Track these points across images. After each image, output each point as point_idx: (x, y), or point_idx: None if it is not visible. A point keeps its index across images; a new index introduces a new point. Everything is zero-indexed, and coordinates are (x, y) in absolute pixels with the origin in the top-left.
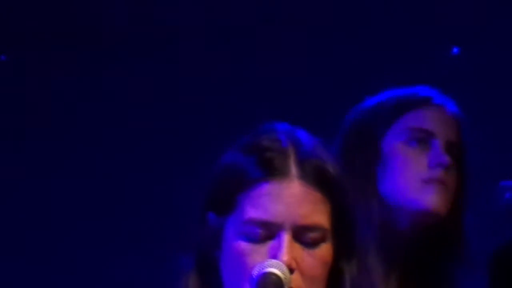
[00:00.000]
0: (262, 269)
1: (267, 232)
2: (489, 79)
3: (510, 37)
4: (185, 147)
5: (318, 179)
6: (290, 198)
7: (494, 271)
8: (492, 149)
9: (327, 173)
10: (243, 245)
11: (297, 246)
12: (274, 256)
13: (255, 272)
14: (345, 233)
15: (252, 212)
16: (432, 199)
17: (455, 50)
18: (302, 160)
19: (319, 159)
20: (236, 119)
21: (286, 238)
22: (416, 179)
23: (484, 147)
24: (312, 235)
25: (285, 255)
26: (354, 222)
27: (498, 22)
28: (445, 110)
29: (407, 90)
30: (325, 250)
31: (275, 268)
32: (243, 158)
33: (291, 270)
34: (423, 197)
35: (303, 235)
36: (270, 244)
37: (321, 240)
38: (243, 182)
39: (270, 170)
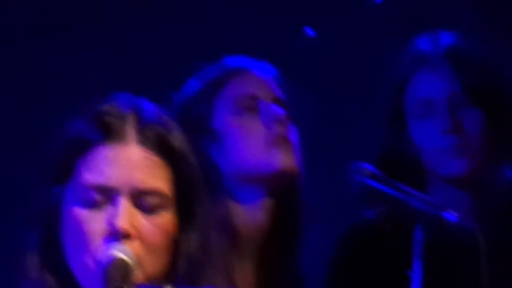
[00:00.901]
0: (108, 253)
1: (104, 197)
2: (342, 61)
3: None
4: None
5: (159, 145)
6: (127, 162)
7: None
8: (344, 129)
9: (169, 141)
10: (81, 212)
11: (135, 213)
12: (110, 222)
13: (101, 256)
14: (186, 204)
15: (88, 176)
16: (281, 159)
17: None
18: (142, 125)
19: (161, 127)
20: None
21: (123, 203)
22: (259, 145)
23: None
24: (151, 200)
25: (121, 221)
26: (197, 194)
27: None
28: (258, 71)
29: (214, 67)
30: (165, 218)
31: (122, 253)
32: (82, 124)
33: (128, 237)
34: (272, 160)
35: (141, 200)
36: (108, 210)
37: (161, 207)
38: (81, 146)
39: (108, 134)
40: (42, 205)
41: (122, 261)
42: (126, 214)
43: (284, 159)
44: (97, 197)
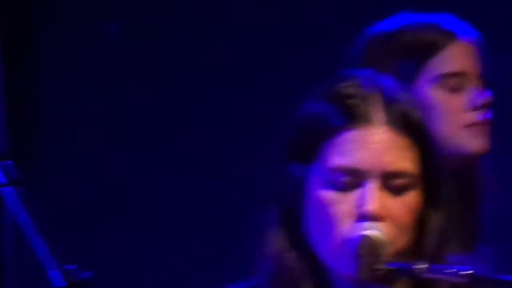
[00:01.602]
0: (360, 232)
1: (354, 179)
2: None
3: None
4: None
5: (405, 124)
6: (377, 145)
7: None
8: None
9: (414, 118)
10: (329, 194)
11: (385, 194)
12: (361, 205)
13: (352, 235)
14: (433, 180)
15: (338, 160)
16: (478, 142)
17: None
18: (388, 105)
19: (405, 104)
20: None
21: (373, 185)
22: (458, 126)
23: None
24: (400, 181)
25: (372, 203)
26: (440, 169)
27: None
28: (465, 39)
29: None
30: (413, 197)
31: (373, 230)
32: (326, 106)
33: (380, 219)
34: (469, 143)
35: (390, 182)
36: (357, 192)
37: (409, 186)
38: (327, 130)
39: (355, 118)
40: (281, 184)
41: (373, 239)
42: (376, 197)
43: (480, 143)
44: (346, 179)
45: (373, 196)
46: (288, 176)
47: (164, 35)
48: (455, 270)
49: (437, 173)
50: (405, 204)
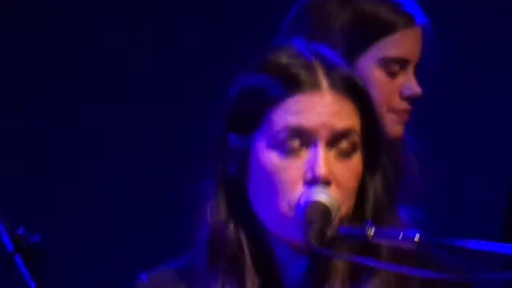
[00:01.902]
0: (309, 197)
1: (301, 141)
2: None
3: None
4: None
5: (347, 88)
6: (323, 108)
7: None
8: None
9: (355, 83)
10: (276, 160)
11: (332, 158)
12: (311, 169)
13: (302, 200)
14: (373, 144)
15: (285, 121)
16: (396, 128)
17: None
18: (329, 71)
19: (345, 69)
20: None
21: (321, 148)
22: (383, 108)
23: None
24: (346, 143)
25: (322, 167)
26: (381, 135)
27: None
28: (418, 25)
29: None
30: (357, 160)
31: (323, 195)
32: (265, 78)
33: (328, 183)
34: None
35: (337, 143)
36: (305, 157)
37: (354, 150)
38: (270, 100)
39: (298, 85)
40: (220, 156)
41: (322, 203)
42: (325, 160)
43: (398, 129)
44: (294, 142)
45: (322, 160)
46: (229, 147)
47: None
48: (402, 235)
49: (377, 138)
50: (350, 169)
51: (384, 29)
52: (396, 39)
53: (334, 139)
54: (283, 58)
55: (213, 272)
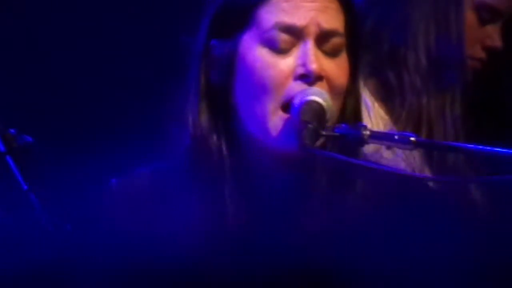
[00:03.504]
0: (304, 97)
1: (292, 38)
2: None
3: None
4: None
5: None
6: (312, 5)
7: None
8: None
9: None
10: (266, 56)
11: (321, 54)
12: (304, 64)
13: (297, 100)
14: (356, 49)
15: (275, 18)
16: None
17: None
18: None
19: None
20: None
21: (312, 45)
22: None
23: None
24: (334, 41)
25: (314, 63)
26: (362, 41)
27: None
28: None
29: None
30: (345, 59)
31: (317, 96)
32: None
33: (321, 78)
34: None
35: (325, 41)
36: (296, 54)
37: (342, 48)
38: None
39: None
40: (202, 62)
41: (317, 103)
42: (316, 57)
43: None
44: (284, 38)
45: (313, 55)
46: (211, 55)
47: None
48: (396, 136)
49: (359, 41)
50: (339, 66)
51: None
52: None
53: (322, 37)
54: None
55: (192, 180)
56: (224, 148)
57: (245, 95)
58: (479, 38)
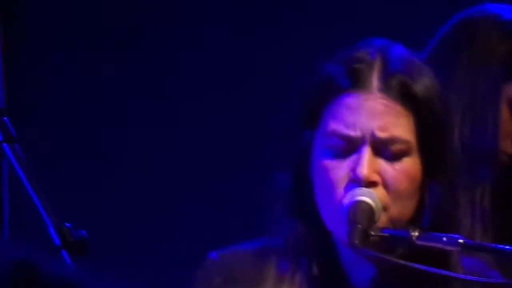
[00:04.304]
0: (353, 197)
1: (349, 145)
2: None
3: None
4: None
5: (402, 94)
6: (369, 111)
7: None
8: None
9: (412, 89)
10: (327, 160)
11: (379, 160)
12: (354, 170)
13: (346, 200)
14: (432, 151)
15: (333, 125)
16: None
17: None
18: (386, 73)
19: (406, 75)
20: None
21: (365, 151)
22: None
23: None
24: (394, 148)
25: (364, 169)
26: (443, 141)
27: None
28: None
29: None
30: (409, 163)
31: (366, 197)
32: (333, 68)
33: (373, 184)
34: None
35: (384, 148)
36: (352, 158)
37: (404, 153)
38: (329, 92)
39: (354, 81)
40: (295, 148)
41: (365, 203)
42: (368, 162)
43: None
44: (343, 145)
45: (365, 161)
46: (300, 141)
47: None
48: (445, 238)
49: (437, 144)
50: (400, 170)
51: None
52: None
53: (380, 144)
54: (354, 53)
55: (286, 262)
56: (308, 234)
57: (316, 191)
58: (511, 133)
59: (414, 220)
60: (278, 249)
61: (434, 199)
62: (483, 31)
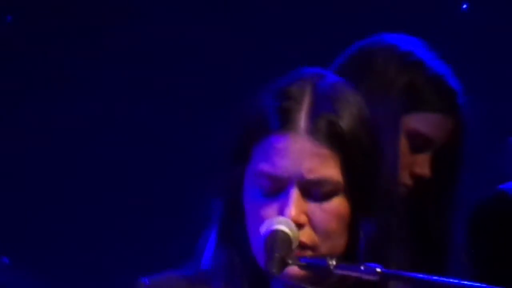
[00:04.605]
0: (270, 226)
1: (277, 185)
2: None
3: None
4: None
5: (328, 134)
6: (296, 153)
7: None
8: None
9: (339, 128)
10: (256, 197)
11: (307, 201)
12: (281, 211)
13: (263, 229)
14: (361, 188)
15: (262, 166)
16: None
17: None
18: (314, 114)
19: (333, 113)
20: None
21: (292, 193)
22: None
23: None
24: (322, 189)
25: (291, 211)
26: (372, 176)
27: None
28: None
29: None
30: (338, 203)
31: (283, 225)
32: (265, 103)
33: (300, 225)
34: None
35: (312, 189)
36: (280, 198)
37: (333, 193)
38: (259, 131)
39: (283, 122)
40: (226, 181)
41: (282, 232)
42: (296, 204)
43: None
44: (271, 185)
45: (292, 203)
46: (230, 175)
47: None
48: (362, 267)
49: (365, 181)
50: (328, 211)
51: (423, 106)
52: (428, 117)
53: (307, 186)
54: (286, 88)
55: None
56: (237, 262)
57: (247, 222)
58: (409, 164)
59: (348, 255)
60: (211, 276)
61: (366, 234)
62: (381, 63)
